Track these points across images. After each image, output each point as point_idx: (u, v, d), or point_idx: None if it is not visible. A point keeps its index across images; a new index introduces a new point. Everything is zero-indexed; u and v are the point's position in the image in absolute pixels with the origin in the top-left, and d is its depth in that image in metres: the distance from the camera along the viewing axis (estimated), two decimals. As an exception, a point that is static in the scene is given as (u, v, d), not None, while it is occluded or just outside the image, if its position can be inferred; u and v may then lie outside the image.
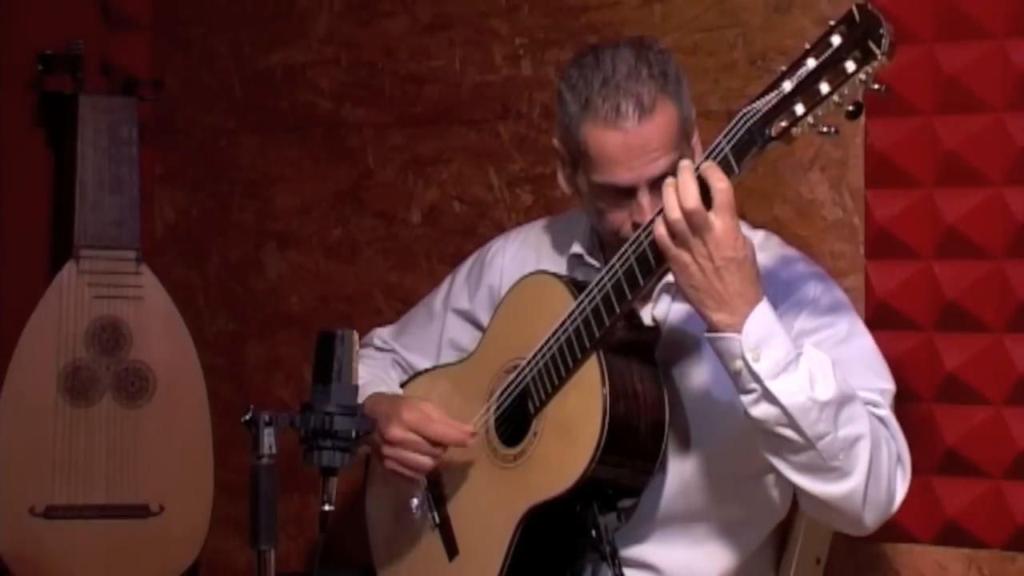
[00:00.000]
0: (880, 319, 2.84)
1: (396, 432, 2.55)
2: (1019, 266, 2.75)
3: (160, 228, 3.85)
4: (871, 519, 2.34)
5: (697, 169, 2.24)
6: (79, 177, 3.50)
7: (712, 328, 2.26)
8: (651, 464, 2.40)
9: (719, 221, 2.21)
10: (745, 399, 2.27)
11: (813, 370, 2.26)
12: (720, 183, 2.21)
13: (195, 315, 3.74)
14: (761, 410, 2.25)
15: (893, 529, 2.80)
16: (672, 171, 2.34)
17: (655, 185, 2.36)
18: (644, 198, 2.38)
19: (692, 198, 2.21)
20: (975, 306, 2.79)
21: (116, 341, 3.51)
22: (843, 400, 2.27)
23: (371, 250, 3.58)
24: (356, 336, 2.17)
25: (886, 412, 2.37)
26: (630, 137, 2.37)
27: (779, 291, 2.37)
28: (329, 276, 3.65)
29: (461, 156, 3.45)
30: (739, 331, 2.23)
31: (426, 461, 2.56)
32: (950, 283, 2.81)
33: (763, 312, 2.25)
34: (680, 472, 2.47)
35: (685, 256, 2.23)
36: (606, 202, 2.44)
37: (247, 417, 2.10)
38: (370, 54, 3.56)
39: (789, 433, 2.26)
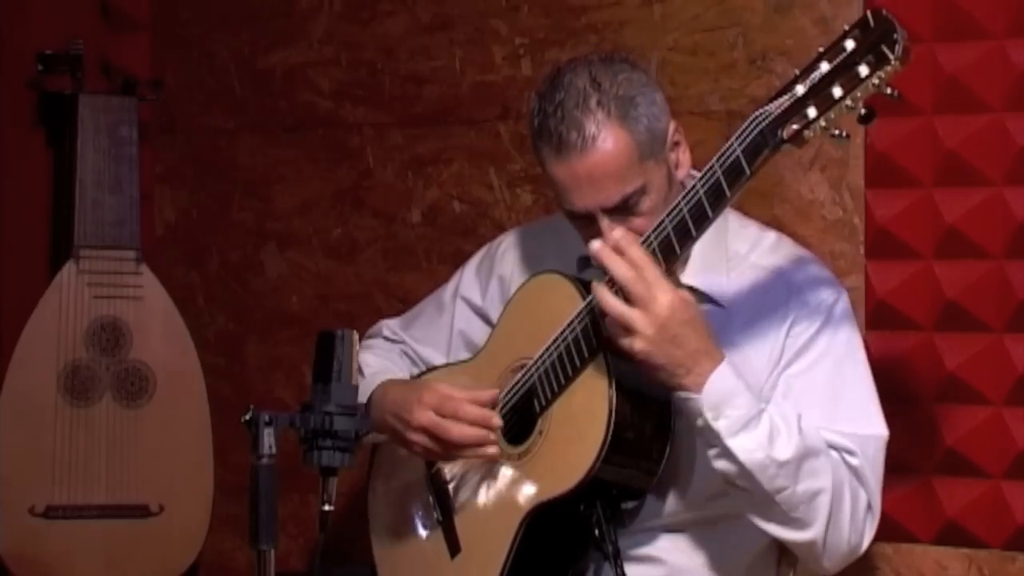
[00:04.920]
0: (880, 319, 2.84)
1: (420, 417, 2.51)
2: (1019, 266, 2.76)
3: (160, 228, 3.85)
4: (830, 564, 2.41)
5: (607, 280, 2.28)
6: (79, 177, 3.50)
7: (681, 390, 2.29)
8: (656, 465, 2.41)
9: (655, 296, 2.23)
10: (710, 452, 2.32)
11: (776, 426, 2.30)
12: (620, 269, 2.25)
13: (195, 315, 3.74)
14: (722, 465, 2.32)
15: (893, 529, 2.80)
16: (629, 200, 2.37)
17: (615, 210, 2.38)
18: (604, 223, 2.39)
19: (608, 304, 2.25)
20: (975, 306, 2.79)
21: (116, 341, 3.51)
22: (805, 455, 2.31)
23: (371, 250, 3.58)
24: (356, 336, 2.17)
25: (858, 461, 2.39)
26: (575, 168, 2.38)
27: (791, 294, 2.37)
28: (329, 276, 3.65)
29: (461, 156, 3.45)
30: (700, 392, 2.27)
31: (463, 437, 2.49)
32: (950, 283, 2.81)
33: (724, 372, 2.29)
34: (685, 471, 2.47)
35: (638, 345, 2.25)
36: (574, 223, 2.47)
37: (247, 417, 2.10)
38: (370, 54, 3.56)
39: (748, 486, 2.31)
